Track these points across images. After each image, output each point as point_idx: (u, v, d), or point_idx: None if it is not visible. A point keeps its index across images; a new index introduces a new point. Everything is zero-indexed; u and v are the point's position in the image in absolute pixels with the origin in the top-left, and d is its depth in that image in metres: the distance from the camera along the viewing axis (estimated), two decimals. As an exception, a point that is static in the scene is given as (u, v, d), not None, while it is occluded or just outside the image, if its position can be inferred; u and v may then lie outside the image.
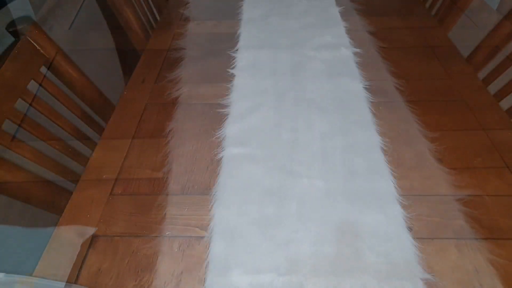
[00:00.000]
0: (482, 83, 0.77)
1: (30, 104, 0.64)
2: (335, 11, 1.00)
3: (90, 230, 0.53)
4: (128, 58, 1.36)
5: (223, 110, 0.72)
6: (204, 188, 0.58)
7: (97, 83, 0.80)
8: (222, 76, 0.81)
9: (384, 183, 0.57)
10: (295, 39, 0.90)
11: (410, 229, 0.51)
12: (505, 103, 0.75)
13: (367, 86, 0.75)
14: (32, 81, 0.64)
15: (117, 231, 0.53)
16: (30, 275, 0.48)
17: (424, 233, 0.51)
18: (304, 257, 0.48)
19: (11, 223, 0.86)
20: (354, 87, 0.75)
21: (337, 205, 0.55)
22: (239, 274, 0.47)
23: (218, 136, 0.66)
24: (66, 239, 0.52)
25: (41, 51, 0.66)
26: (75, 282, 0.46)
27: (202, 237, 0.51)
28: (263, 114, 0.70)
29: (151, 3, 1.06)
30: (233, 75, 0.80)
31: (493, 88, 0.79)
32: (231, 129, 0.67)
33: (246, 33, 0.94)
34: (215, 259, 0.48)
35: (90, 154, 0.66)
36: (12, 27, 0.62)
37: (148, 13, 1.05)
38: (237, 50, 0.88)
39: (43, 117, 0.66)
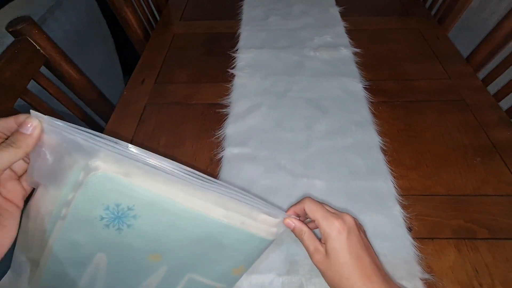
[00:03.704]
0: (482, 83, 0.77)
1: (30, 104, 0.64)
2: (335, 11, 1.00)
3: None
4: (128, 58, 1.36)
5: (223, 110, 0.72)
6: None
7: (97, 83, 0.80)
8: (222, 76, 0.81)
9: (384, 183, 0.57)
10: (295, 39, 0.90)
11: (410, 229, 0.51)
12: (505, 103, 0.75)
13: (367, 86, 0.76)
14: (32, 81, 0.64)
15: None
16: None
17: (424, 233, 0.51)
18: (304, 257, 0.48)
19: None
20: (354, 87, 0.75)
21: (337, 205, 0.55)
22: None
23: (218, 136, 0.67)
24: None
25: (41, 51, 0.66)
26: None
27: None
28: (263, 114, 0.70)
29: (151, 3, 1.07)
30: (233, 75, 0.80)
31: (493, 88, 0.79)
32: (231, 129, 0.67)
33: (246, 33, 0.94)
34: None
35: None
36: (12, 27, 0.62)
37: (148, 13, 1.05)
38: (237, 50, 0.88)
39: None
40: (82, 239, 0.30)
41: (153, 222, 0.30)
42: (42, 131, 0.27)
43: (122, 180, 0.28)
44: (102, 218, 0.29)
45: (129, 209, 0.29)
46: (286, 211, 0.38)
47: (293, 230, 0.38)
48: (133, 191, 0.28)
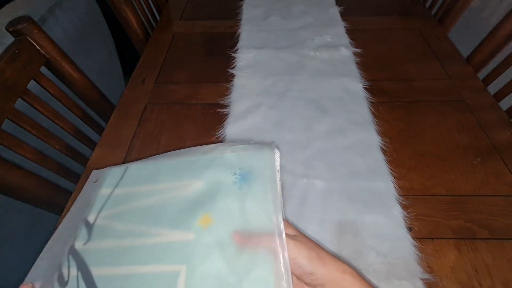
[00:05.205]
0: (482, 83, 0.77)
1: (30, 104, 0.64)
2: (335, 11, 1.00)
3: None
4: (128, 58, 1.36)
5: (223, 110, 0.72)
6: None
7: (97, 83, 0.80)
8: (222, 76, 0.81)
9: (384, 183, 0.57)
10: (295, 39, 0.90)
11: (410, 229, 0.52)
12: (505, 103, 0.75)
13: (367, 86, 0.76)
14: (32, 81, 0.64)
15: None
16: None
17: (424, 233, 0.51)
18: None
19: (11, 223, 0.86)
20: (354, 87, 0.75)
21: (337, 205, 0.55)
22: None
23: (218, 136, 0.67)
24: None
25: (41, 51, 0.66)
26: None
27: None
28: (263, 114, 0.70)
29: (151, 3, 1.07)
30: (233, 75, 0.80)
31: (493, 88, 0.79)
32: (231, 129, 0.67)
33: (246, 33, 0.94)
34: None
35: (90, 154, 0.66)
36: (12, 27, 0.62)
37: (148, 13, 1.05)
38: (237, 50, 0.88)
39: (43, 117, 0.66)
40: None
41: None
42: None
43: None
44: None
45: None
46: None
47: None
48: None
